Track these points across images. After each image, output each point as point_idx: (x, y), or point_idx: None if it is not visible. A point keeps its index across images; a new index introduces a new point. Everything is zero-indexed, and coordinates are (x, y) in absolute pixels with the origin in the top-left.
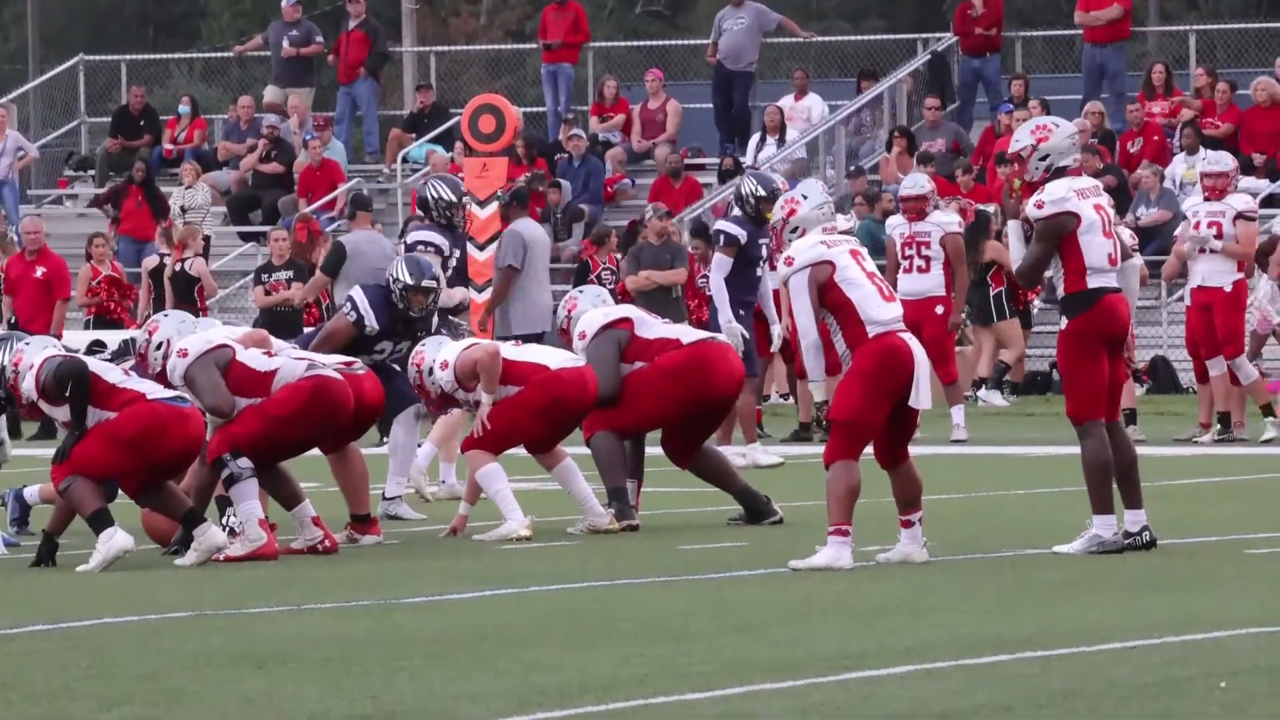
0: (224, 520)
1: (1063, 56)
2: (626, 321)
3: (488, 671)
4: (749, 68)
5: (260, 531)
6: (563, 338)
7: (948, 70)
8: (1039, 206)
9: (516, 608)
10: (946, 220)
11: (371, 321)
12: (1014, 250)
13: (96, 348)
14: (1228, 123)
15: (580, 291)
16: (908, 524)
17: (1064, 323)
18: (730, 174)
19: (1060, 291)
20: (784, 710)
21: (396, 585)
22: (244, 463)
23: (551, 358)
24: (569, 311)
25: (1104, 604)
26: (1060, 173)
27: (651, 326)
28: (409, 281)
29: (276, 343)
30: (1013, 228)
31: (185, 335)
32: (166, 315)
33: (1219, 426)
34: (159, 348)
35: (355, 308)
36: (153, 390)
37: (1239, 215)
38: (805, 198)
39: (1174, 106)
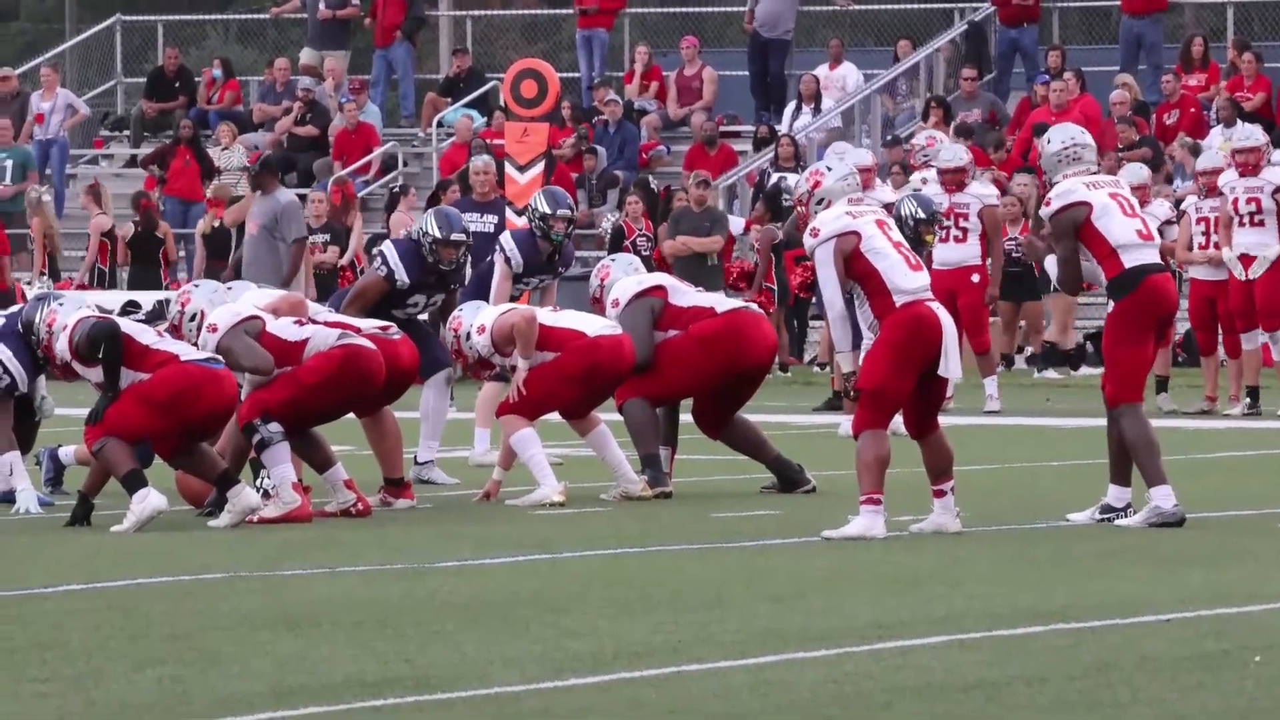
0: (258, 483)
1: (1099, 27)
2: (660, 289)
3: (521, 637)
4: (785, 35)
5: (294, 494)
6: (595, 306)
7: (984, 40)
8: (1048, 204)
9: (550, 573)
10: (984, 192)
11: (402, 275)
12: (1056, 275)
13: (131, 308)
14: (1260, 93)
15: (613, 259)
16: (940, 494)
17: (1110, 305)
18: (765, 142)
19: (1104, 280)
20: (817, 679)
21: (430, 549)
22: (274, 427)
23: (589, 324)
24: (601, 280)
25: (1138, 577)
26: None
27: (685, 294)
28: (437, 235)
29: (312, 306)
30: (1050, 263)
31: (216, 306)
32: (198, 285)
33: (1248, 400)
34: (193, 319)
35: (385, 262)
36: (186, 352)
37: (1278, 189)
38: (830, 169)
39: (1206, 80)
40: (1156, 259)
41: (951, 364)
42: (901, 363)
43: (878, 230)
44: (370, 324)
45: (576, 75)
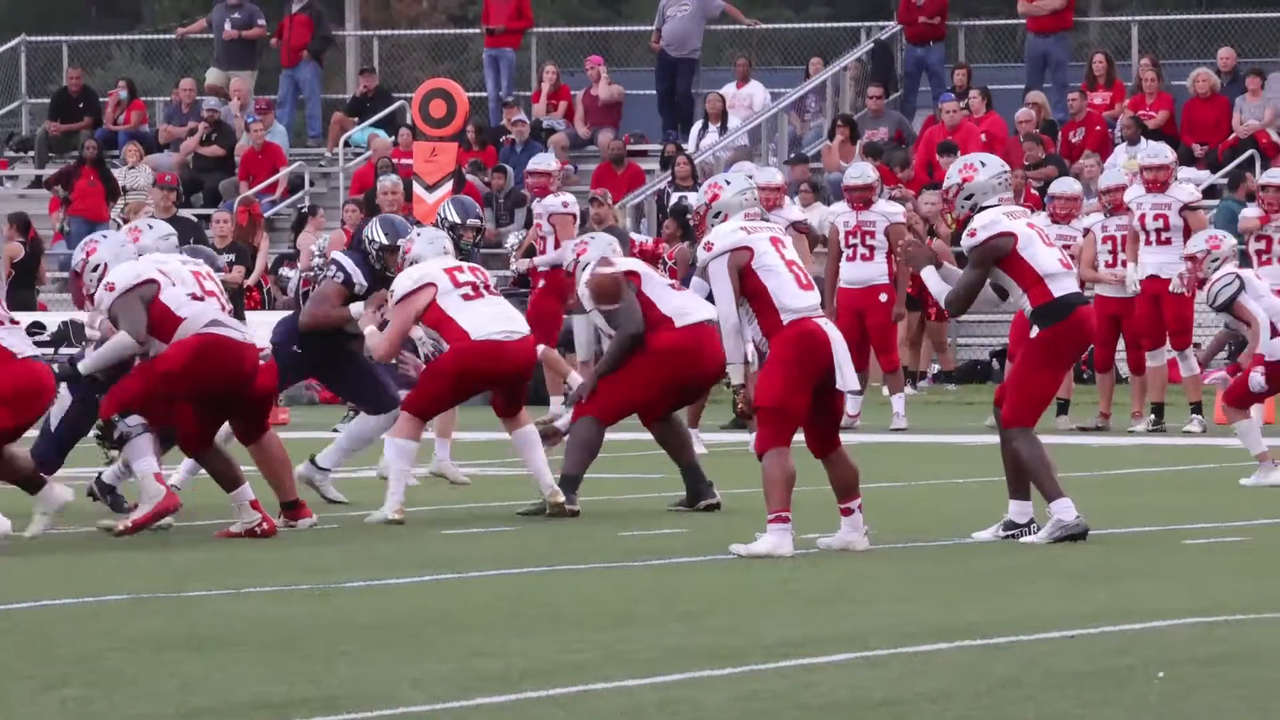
0: (97, 475)
1: (1005, 46)
2: (634, 275)
3: (429, 656)
4: (692, 54)
5: (158, 487)
6: (569, 281)
7: (891, 58)
8: (972, 235)
9: (458, 592)
10: (891, 210)
11: (360, 279)
12: (935, 288)
13: (35, 330)
14: (1162, 110)
15: (591, 237)
16: (847, 511)
17: (1034, 330)
18: (673, 161)
19: (1028, 307)
20: (725, 698)
21: (337, 569)
22: (133, 420)
23: (480, 325)
24: (578, 255)
25: (1043, 593)
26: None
27: (657, 285)
28: (384, 242)
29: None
30: (927, 274)
31: (122, 260)
32: (105, 236)
33: (1153, 417)
34: (95, 270)
35: (342, 268)
36: (21, 348)
37: (1185, 207)
38: (729, 183)
39: (1111, 98)
40: (1078, 288)
41: (847, 377)
42: (796, 379)
43: (771, 247)
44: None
45: (483, 95)
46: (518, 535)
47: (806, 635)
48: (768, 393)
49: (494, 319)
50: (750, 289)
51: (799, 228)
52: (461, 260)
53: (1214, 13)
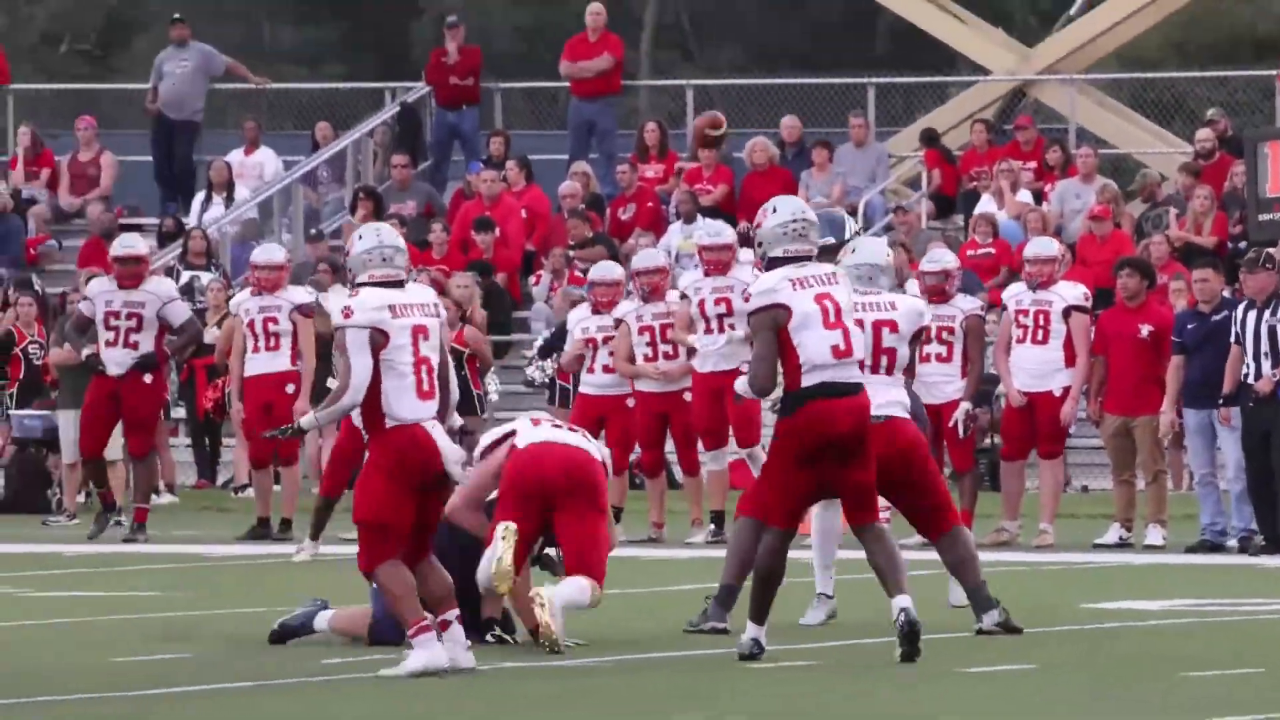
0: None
1: (546, 112)
2: None
3: None
4: (194, 116)
5: None
6: None
7: (419, 124)
8: (746, 299)
9: None
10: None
11: None
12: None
13: None
14: (721, 185)
15: None
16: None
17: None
18: (173, 236)
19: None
20: None
21: None
22: None
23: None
24: None
25: None
26: (776, 262)
27: None
28: None
29: None
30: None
31: None
32: None
33: (713, 527)
34: None
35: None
36: None
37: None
38: None
39: (664, 171)
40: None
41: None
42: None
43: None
44: None
45: None
46: None
47: None
48: (367, 507)
49: None
50: None
51: None
52: None
53: (775, 77)
